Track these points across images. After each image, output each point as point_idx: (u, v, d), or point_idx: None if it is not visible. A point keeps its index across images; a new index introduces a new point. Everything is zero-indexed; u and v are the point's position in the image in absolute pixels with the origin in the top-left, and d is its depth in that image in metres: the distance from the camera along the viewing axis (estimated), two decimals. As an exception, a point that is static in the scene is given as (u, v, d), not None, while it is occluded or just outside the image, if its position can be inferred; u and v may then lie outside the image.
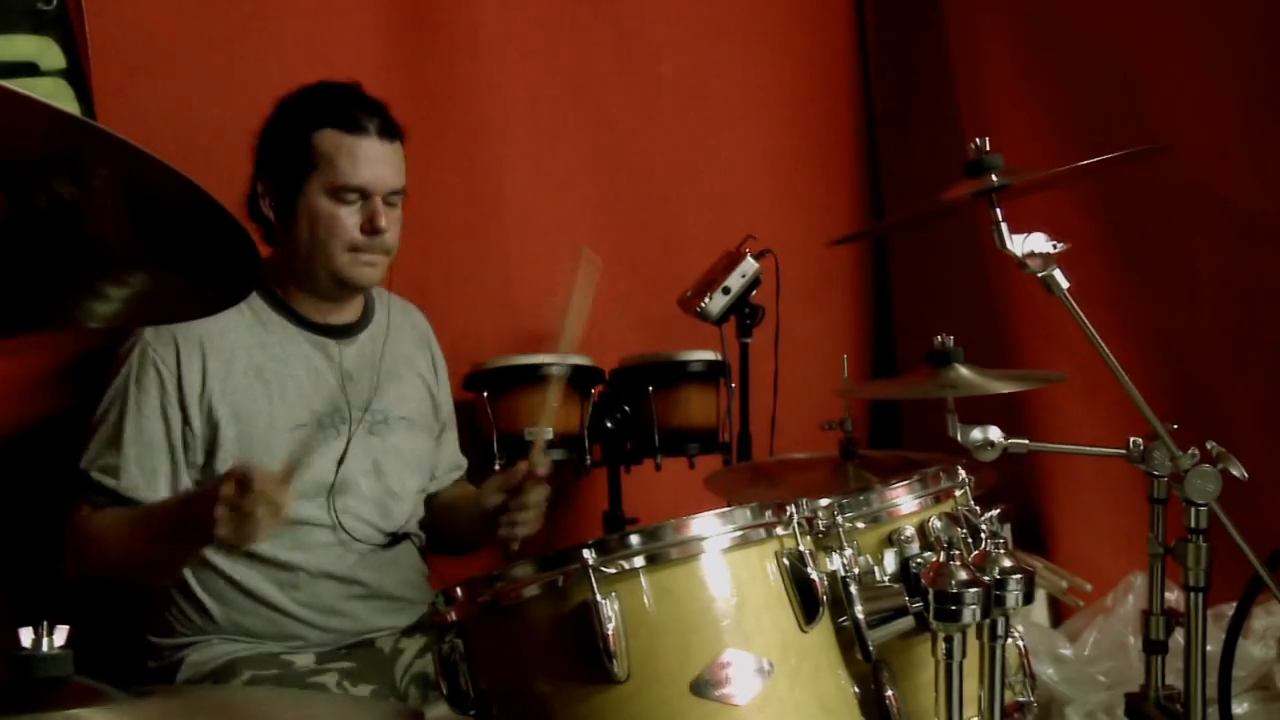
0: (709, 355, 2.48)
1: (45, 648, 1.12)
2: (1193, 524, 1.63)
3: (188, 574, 1.85)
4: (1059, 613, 2.71)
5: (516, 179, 2.74)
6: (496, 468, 2.34)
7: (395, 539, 1.99)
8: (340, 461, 1.91)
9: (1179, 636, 1.76)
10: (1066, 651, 2.52)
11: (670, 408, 2.46)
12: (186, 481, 1.84)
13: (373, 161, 1.86)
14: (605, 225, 2.89)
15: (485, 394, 2.36)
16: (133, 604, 1.93)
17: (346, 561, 1.91)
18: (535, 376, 2.39)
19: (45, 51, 2.07)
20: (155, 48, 2.23)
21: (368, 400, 1.98)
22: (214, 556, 1.84)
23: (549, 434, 2.28)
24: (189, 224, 1.10)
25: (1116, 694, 2.40)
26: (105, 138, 0.95)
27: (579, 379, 2.44)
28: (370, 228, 1.87)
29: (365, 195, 1.87)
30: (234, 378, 1.86)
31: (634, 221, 2.92)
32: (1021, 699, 1.55)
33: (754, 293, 2.41)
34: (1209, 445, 1.63)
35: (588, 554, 1.20)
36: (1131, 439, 1.72)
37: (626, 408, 2.46)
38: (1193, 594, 1.64)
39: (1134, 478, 2.67)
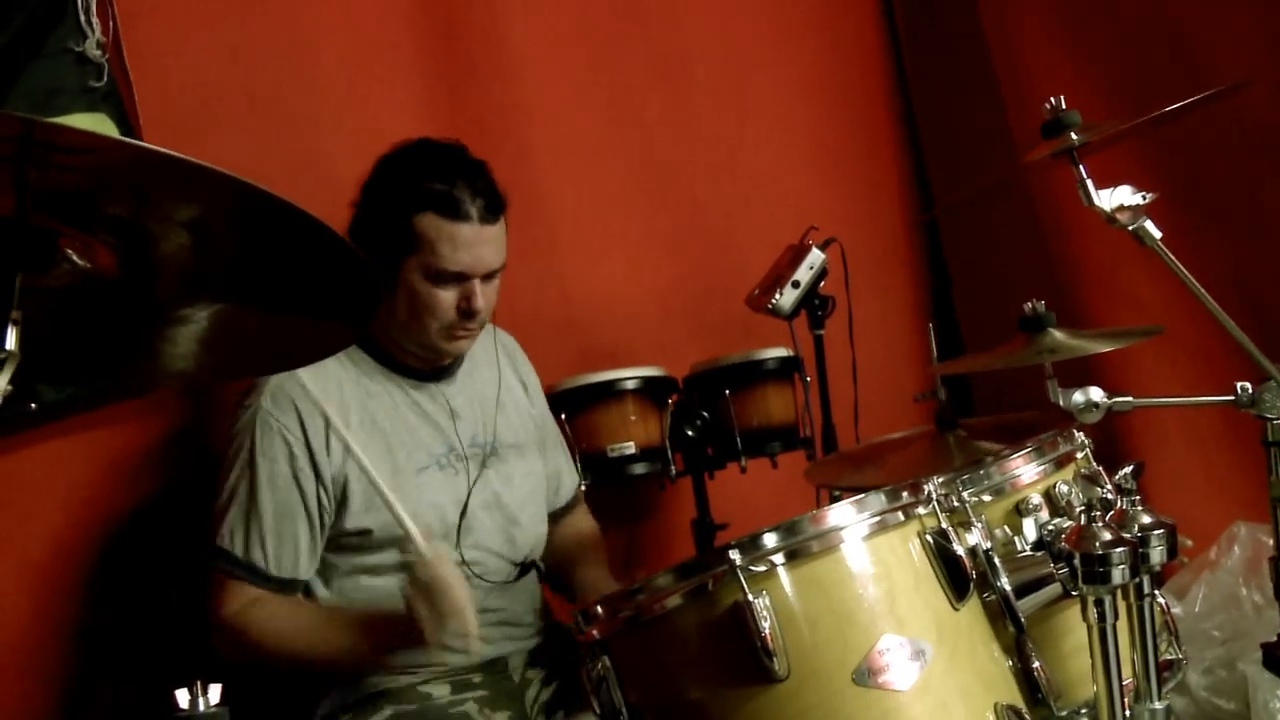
0: (782, 352, 2.47)
1: (202, 707, 1.13)
2: (1318, 462, 1.60)
3: None
4: (1162, 572, 2.66)
5: (564, 199, 2.74)
6: (583, 487, 2.33)
7: (524, 569, 1.99)
8: (466, 502, 1.91)
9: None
10: (1176, 610, 2.46)
11: (749, 408, 2.45)
12: (320, 545, 1.84)
13: (473, 246, 1.83)
14: (657, 235, 2.88)
15: (562, 415, 2.35)
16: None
17: (477, 595, 1.91)
18: (610, 392, 2.39)
19: (100, 127, 2.08)
20: (203, 111, 2.23)
21: (475, 435, 1.97)
22: (353, 597, 1.86)
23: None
24: (306, 262, 1.11)
25: (1234, 647, 2.36)
26: (224, 180, 0.95)
27: (654, 390, 2.43)
28: (467, 308, 1.85)
29: (464, 278, 1.85)
30: (353, 432, 1.84)
31: (685, 228, 2.91)
32: (1169, 656, 1.53)
33: (821, 284, 2.39)
34: (1322, 380, 1.59)
35: (734, 555, 1.20)
36: (1239, 384, 1.68)
37: (705, 414, 2.44)
38: (1325, 534, 1.61)
39: (1222, 427, 2.67)
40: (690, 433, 2.43)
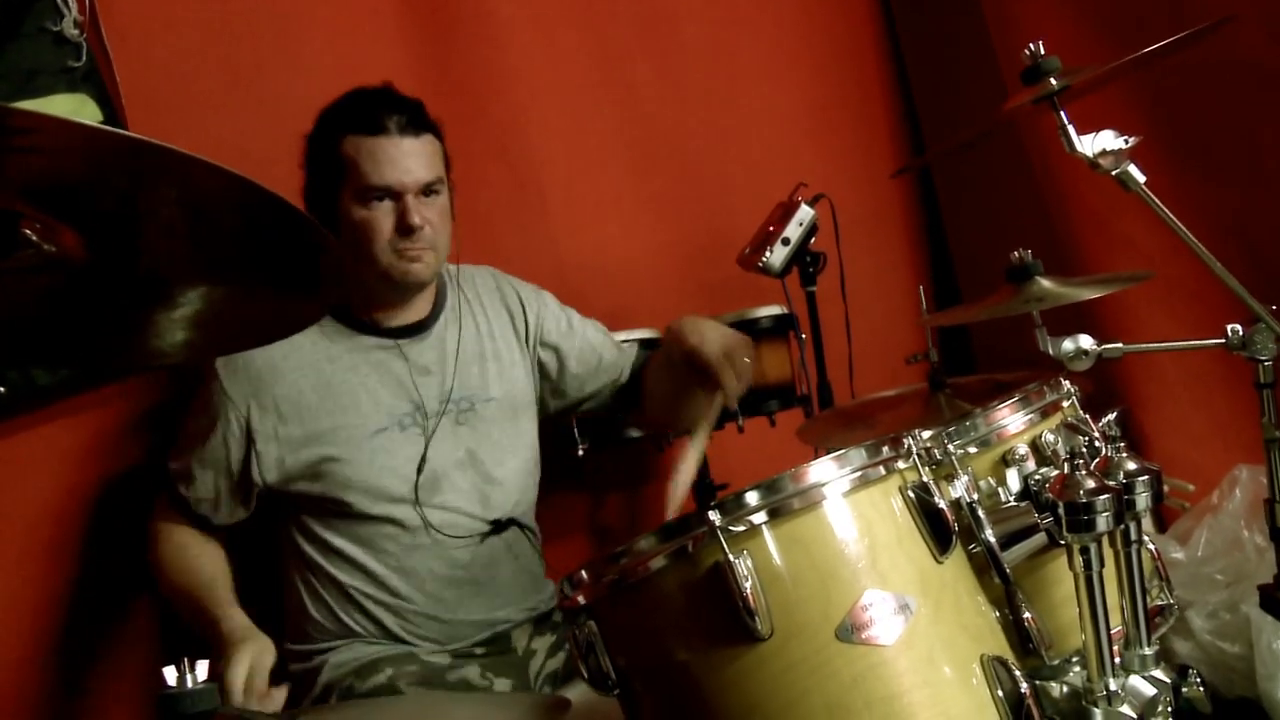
0: (776, 310, 2.45)
1: (190, 684, 1.14)
2: (1312, 402, 1.59)
3: (318, 587, 1.92)
4: (1164, 517, 2.66)
5: (554, 163, 2.72)
6: (580, 453, 2.33)
7: (500, 526, 1.98)
8: (421, 462, 1.90)
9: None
10: (1179, 555, 2.47)
11: (744, 368, 2.44)
12: (242, 501, 1.91)
13: (394, 160, 1.83)
14: (648, 196, 2.86)
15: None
16: (270, 617, 1.95)
17: (451, 559, 1.92)
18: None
19: (82, 107, 2.08)
20: (185, 87, 2.22)
21: (448, 392, 1.96)
22: (335, 570, 1.91)
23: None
24: (275, 242, 1.10)
25: (1237, 590, 2.35)
26: (183, 160, 0.94)
27: (649, 353, 2.42)
28: (403, 226, 1.85)
29: (395, 195, 1.85)
30: (305, 398, 1.87)
31: (676, 188, 2.89)
32: (1160, 602, 1.52)
33: (812, 240, 2.37)
34: (1314, 322, 1.58)
35: (714, 515, 1.19)
36: (1229, 327, 1.67)
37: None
38: (1320, 474, 1.60)
39: (1222, 371, 2.65)
40: (686, 394, 2.43)
